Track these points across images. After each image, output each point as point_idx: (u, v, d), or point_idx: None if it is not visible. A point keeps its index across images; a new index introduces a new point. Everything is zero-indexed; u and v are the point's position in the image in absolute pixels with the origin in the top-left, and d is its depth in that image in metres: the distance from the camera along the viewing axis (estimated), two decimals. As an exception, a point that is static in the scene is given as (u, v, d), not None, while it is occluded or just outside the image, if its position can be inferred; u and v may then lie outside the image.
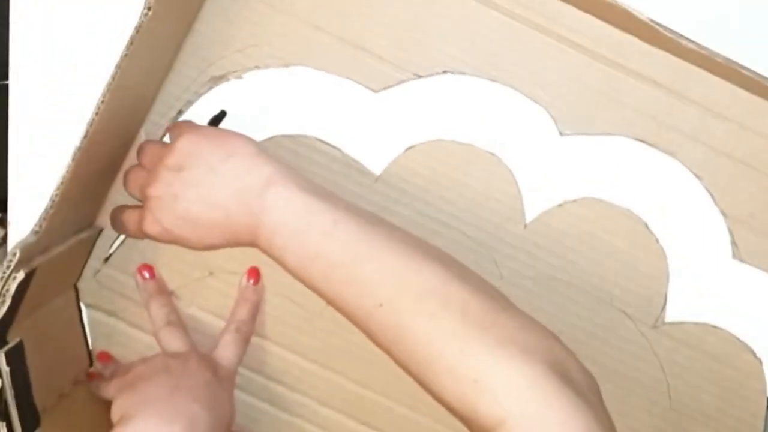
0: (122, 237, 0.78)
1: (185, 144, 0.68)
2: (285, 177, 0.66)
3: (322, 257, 0.64)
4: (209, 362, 0.73)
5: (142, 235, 0.71)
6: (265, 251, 0.68)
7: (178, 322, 0.77)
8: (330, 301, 0.67)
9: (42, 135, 0.79)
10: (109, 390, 0.72)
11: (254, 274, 0.78)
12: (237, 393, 0.78)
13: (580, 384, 0.58)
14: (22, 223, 0.76)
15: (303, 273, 0.66)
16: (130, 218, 0.73)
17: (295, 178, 0.67)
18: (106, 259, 0.78)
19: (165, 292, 0.78)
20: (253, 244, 0.68)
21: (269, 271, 0.78)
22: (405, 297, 0.62)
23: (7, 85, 0.79)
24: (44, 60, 0.79)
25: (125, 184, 0.74)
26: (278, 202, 0.65)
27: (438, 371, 0.60)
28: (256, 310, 0.78)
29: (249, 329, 0.78)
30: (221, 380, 0.72)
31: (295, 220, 0.65)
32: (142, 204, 0.71)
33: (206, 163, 0.67)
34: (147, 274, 0.78)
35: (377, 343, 0.65)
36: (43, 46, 0.79)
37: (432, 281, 0.62)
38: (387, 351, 0.64)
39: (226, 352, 0.75)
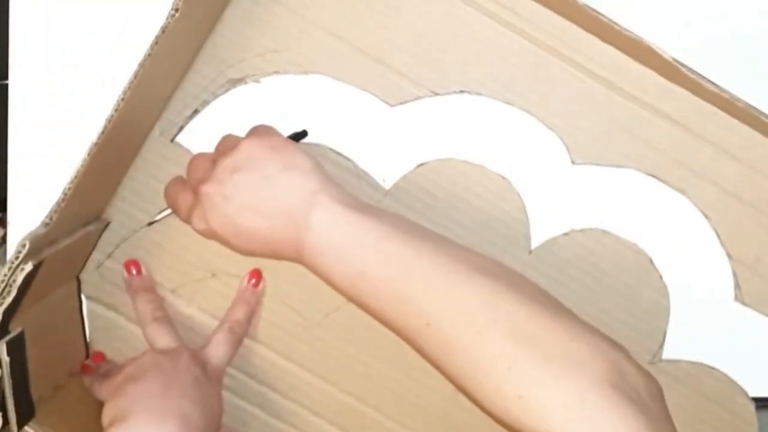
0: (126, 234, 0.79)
1: (249, 147, 0.68)
2: (332, 194, 0.66)
3: (369, 274, 0.64)
4: (199, 359, 0.74)
5: (189, 222, 0.71)
6: (309, 268, 0.67)
7: (166, 317, 0.77)
8: (378, 318, 0.66)
9: (42, 135, 0.80)
10: (101, 392, 0.72)
11: (256, 276, 0.78)
12: (229, 396, 0.79)
13: (637, 389, 0.57)
14: (22, 223, 0.77)
15: (350, 290, 0.66)
16: (184, 202, 0.72)
17: (341, 195, 0.67)
18: (111, 254, 0.78)
19: (152, 289, 0.78)
20: (295, 259, 0.68)
21: (271, 277, 0.78)
22: (452, 314, 0.61)
23: (6, 85, 0.80)
24: (44, 60, 0.80)
25: (168, 189, 0.75)
26: (324, 219, 0.65)
27: (487, 388, 0.59)
28: (252, 312, 0.78)
29: (243, 331, 0.78)
30: (210, 378, 0.73)
31: (342, 237, 0.65)
32: None
33: (263, 170, 0.67)
34: (134, 270, 0.78)
35: (427, 359, 0.65)
36: (43, 46, 0.80)
37: (479, 297, 0.61)
38: (436, 366, 0.64)
39: (216, 351, 0.76)
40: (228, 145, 0.70)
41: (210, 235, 0.70)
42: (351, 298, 0.67)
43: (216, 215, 0.67)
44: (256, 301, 0.79)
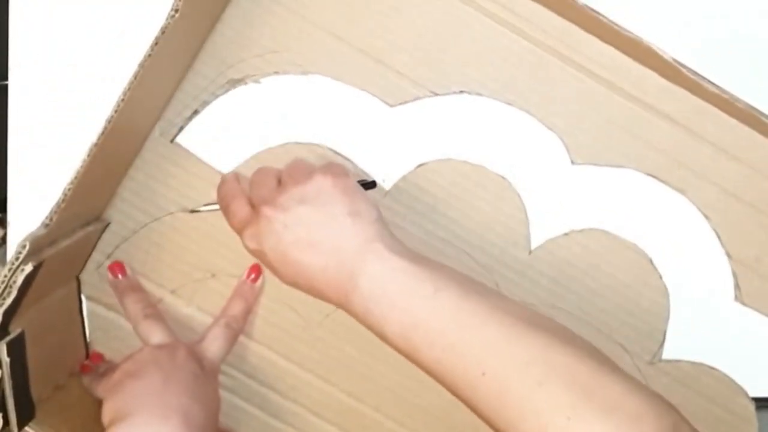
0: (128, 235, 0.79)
1: (321, 183, 0.68)
2: (389, 245, 0.66)
3: (423, 326, 0.64)
4: (196, 354, 0.74)
5: (238, 234, 0.72)
6: (357, 316, 0.67)
7: (156, 314, 0.77)
8: (429, 369, 0.65)
9: (42, 135, 0.80)
10: (98, 389, 0.73)
11: (255, 271, 0.79)
12: (229, 396, 0.79)
13: None
14: (22, 223, 0.78)
15: (401, 340, 0.65)
16: (239, 212, 0.72)
17: (398, 246, 0.67)
18: (110, 254, 0.79)
19: (139, 288, 0.79)
20: (338, 303, 0.68)
21: (273, 277, 0.78)
22: (509, 366, 0.61)
23: (6, 86, 0.80)
24: (44, 60, 0.80)
25: (222, 192, 0.74)
26: (380, 268, 0.65)
27: None
28: (249, 308, 0.79)
29: (239, 326, 0.78)
30: (207, 373, 0.73)
31: (398, 287, 0.65)
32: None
33: (329, 210, 0.67)
34: (119, 273, 0.78)
35: (478, 411, 0.63)
36: (43, 47, 0.80)
37: (536, 349, 0.61)
38: (488, 419, 0.62)
39: (212, 346, 0.76)
40: (300, 171, 0.70)
41: (259, 255, 0.70)
42: (401, 348, 0.66)
43: (271, 240, 0.68)
44: (253, 297, 0.79)
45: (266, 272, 0.79)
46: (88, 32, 0.80)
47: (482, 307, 0.64)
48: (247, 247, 0.70)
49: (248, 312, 0.79)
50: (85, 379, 0.76)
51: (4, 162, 0.81)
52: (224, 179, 0.75)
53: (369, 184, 0.77)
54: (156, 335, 0.75)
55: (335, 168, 0.70)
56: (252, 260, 0.77)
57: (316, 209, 0.67)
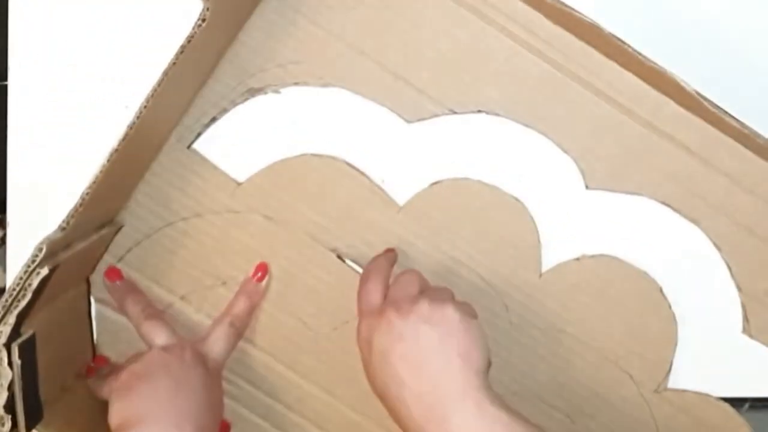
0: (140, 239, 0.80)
1: (453, 314, 0.67)
2: (489, 397, 0.65)
3: None
4: (200, 355, 0.75)
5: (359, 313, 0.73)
6: None
7: (157, 314, 0.78)
8: None
9: (41, 136, 0.81)
10: (103, 390, 0.74)
11: (262, 269, 0.80)
12: (234, 405, 0.80)
13: None
14: (22, 224, 0.79)
15: None
16: (372, 292, 0.73)
17: (497, 399, 0.66)
18: (122, 257, 0.80)
19: (136, 290, 0.80)
20: None
21: (281, 286, 0.80)
22: None
23: (6, 86, 0.81)
24: (44, 60, 0.81)
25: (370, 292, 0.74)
26: (475, 420, 0.64)
27: None
28: (253, 307, 0.79)
29: (242, 325, 0.79)
30: (212, 373, 0.74)
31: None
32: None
33: (446, 342, 0.66)
34: (116, 278, 0.79)
35: None
36: (43, 47, 0.81)
37: None
38: None
39: (216, 346, 0.77)
40: (439, 293, 0.71)
41: (362, 346, 0.70)
42: None
43: (383, 342, 0.68)
44: (258, 297, 0.80)
45: (276, 286, 0.80)
46: (88, 32, 0.81)
47: None
48: (358, 331, 0.71)
49: (252, 311, 0.79)
50: (91, 381, 0.77)
51: (4, 162, 0.82)
52: (384, 255, 0.77)
53: None
54: (160, 336, 0.76)
55: (470, 308, 0.71)
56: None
57: (436, 337, 0.66)
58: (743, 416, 0.81)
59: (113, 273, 0.79)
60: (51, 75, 0.81)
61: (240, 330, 0.79)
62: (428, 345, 0.66)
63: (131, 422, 0.66)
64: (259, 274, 0.79)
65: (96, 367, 0.79)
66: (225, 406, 0.78)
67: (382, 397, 0.69)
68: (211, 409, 0.70)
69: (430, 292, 0.71)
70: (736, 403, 0.81)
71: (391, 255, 0.78)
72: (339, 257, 0.80)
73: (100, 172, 0.65)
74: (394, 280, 0.74)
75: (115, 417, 0.68)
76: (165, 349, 0.75)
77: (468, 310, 0.69)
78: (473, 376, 0.66)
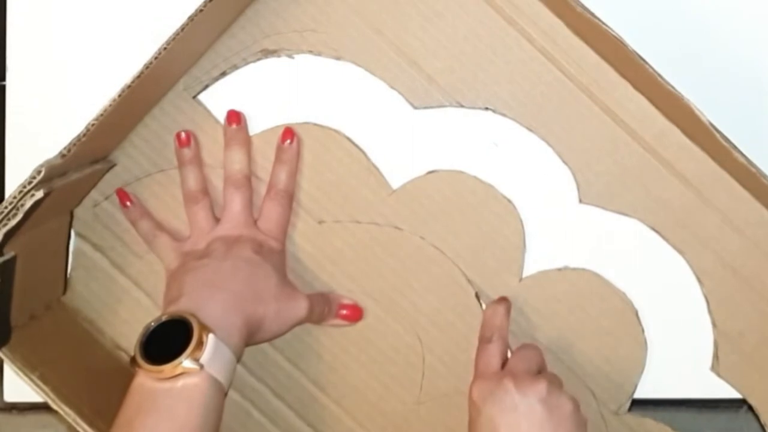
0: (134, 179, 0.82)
1: (567, 404, 0.71)
2: None
3: None
4: (255, 239, 0.78)
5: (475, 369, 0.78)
6: None
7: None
8: None
9: (39, 136, 0.83)
10: (151, 240, 0.80)
11: (289, 134, 0.81)
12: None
13: None
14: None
15: None
16: (494, 355, 0.77)
17: None
18: (109, 196, 0.82)
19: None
20: None
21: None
22: None
23: (4, 86, 0.83)
24: (42, 60, 0.84)
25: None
26: None
27: None
28: (293, 171, 0.81)
29: (290, 191, 0.81)
30: (266, 253, 0.78)
31: None
32: None
33: (555, 425, 0.70)
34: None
35: None
36: (41, 48, 0.84)
37: None
38: None
39: (269, 223, 0.80)
40: (560, 381, 0.75)
41: (472, 406, 0.73)
42: None
43: (494, 408, 0.71)
44: (295, 158, 0.81)
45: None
46: (86, 32, 0.83)
47: None
48: (470, 390, 0.74)
49: (294, 175, 0.81)
50: (126, 213, 0.82)
51: (2, 163, 0.84)
52: (505, 309, 0.80)
53: None
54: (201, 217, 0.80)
55: (578, 403, 0.74)
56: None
57: (548, 419, 0.70)
58: (742, 418, 0.84)
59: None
60: (49, 75, 0.84)
61: (289, 195, 0.81)
62: (539, 424, 0.70)
63: (171, 302, 0.72)
64: (288, 140, 0.81)
65: (123, 197, 0.82)
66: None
67: None
68: (252, 287, 0.74)
69: (548, 375, 0.75)
70: (735, 404, 0.84)
71: (508, 306, 0.81)
72: (477, 297, 0.83)
73: (110, 105, 0.67)
74: (515, 352, 0.78)
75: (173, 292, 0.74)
76: (222, 240, 0.78)
77: (578, 405, 0.73)
78: None
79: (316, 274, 0.82)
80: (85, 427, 0.71)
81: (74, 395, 0.72)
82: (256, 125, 0.82)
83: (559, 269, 0.82)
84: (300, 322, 0.78)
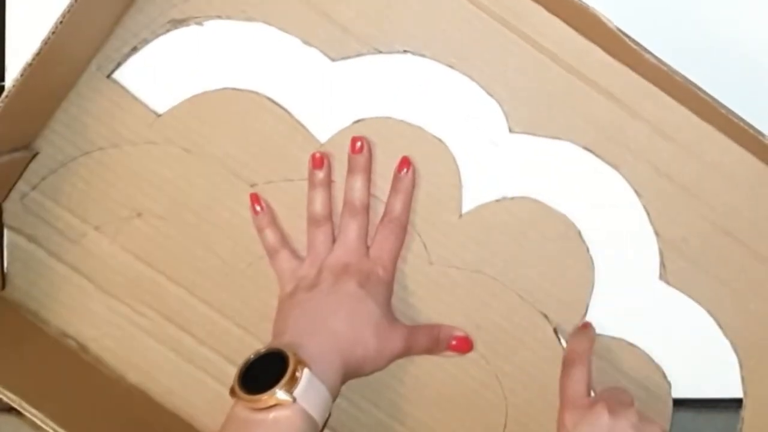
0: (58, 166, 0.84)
1: (652, 427, 0.76)
2: None
3: None
4: (362, 270, 0.81)
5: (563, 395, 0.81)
6: None
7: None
8: None
9: None
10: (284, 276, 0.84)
11: (406, 164, 0.84)
12: (144, 336, 0.85)
13: None
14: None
15: None
16: (581, 383, 0.80)
17: None
18: (36, 186, 0.84)
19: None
20: None
21: (197, 220, 0.84)
22: None
23: (3, 87, 0.85)
24: None
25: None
26: None
27: None
28: (409, 200, 0.84)
29: (404, 219, 0.84)
30: (370, 286, 0.81)
31: None
32: None
33: None
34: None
35: None
36: None
37: None
38: None
39: (381, 252, 0.83)
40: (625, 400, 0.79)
41: (560, 424, 0.78)
42: None
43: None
44: (411, 187, 0.84)
45: (190, 210, 0.85)
46: None
47: None
48: (560, 418, 0.79)
49: (409, 204, 0.84)
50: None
51: None
52: (587, 337, 0.84)
53: None
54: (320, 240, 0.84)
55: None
56: (178, 204, 0.84)
57: None
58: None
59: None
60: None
61: (403, 224, 0.84)
62: None
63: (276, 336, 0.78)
64: (405, 170, 0.84)
65: (254, 200, 0.85)
66: (135, 337, 0.83)
67: None
68: (353, 324, 0.78)
69: (637, 408, 0.78)
70: (735, 404, 0.86)
71: (592, 334, 0.84)
72: (555, 333, 0.86)
73: (13, 86, 0.69)
74: (606, 387, 0.82)
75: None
76: (331, 270, 0.81)
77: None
78: None
79: (255, 238, 0.85)
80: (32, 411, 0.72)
81: (30, 390, 0.73)
82: (172, 97, 0.84)
83: (498, 200, 0.85)
84: (400, 356, 0.82)
